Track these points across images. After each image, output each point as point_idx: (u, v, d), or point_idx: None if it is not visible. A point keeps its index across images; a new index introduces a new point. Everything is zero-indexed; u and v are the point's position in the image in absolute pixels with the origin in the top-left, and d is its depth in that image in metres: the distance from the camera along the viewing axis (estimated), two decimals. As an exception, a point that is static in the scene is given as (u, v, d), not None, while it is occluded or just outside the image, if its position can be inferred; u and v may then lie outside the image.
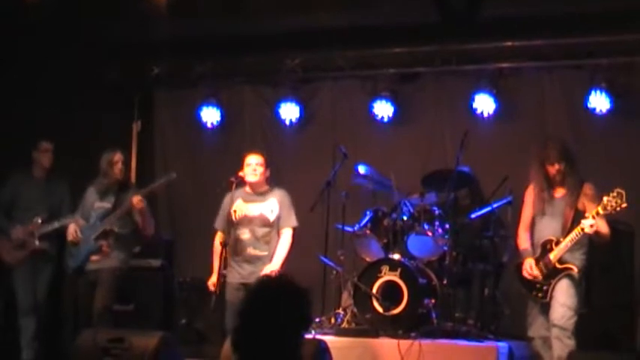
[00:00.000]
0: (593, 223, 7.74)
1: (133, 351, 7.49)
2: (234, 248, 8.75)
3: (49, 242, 9.67)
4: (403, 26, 10.37)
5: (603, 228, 7.85)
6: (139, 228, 9.18)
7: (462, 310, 9.39)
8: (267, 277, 4.14)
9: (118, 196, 9.16)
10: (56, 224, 9.51)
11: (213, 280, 8.69)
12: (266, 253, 8.69)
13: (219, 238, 8.87)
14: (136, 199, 8.96)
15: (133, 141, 11.64)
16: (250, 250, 8.70)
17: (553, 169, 8.05)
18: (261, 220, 8.73)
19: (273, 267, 8.60)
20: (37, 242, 9.59)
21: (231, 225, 8.77)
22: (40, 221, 9.58)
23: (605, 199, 7.71)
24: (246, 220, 8.74)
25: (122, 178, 9.27)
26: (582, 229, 7.79)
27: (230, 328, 8.14)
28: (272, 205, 8.77)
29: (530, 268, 8.04)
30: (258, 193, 8.83)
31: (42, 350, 9.80)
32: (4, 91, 10.83)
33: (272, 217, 8.75)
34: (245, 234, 8.72)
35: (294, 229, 8.84)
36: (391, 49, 10.75)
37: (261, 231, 8.72)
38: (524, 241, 8.24)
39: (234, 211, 8.77)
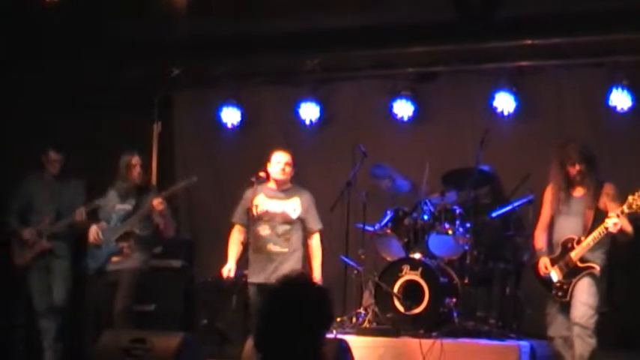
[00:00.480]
0: (617, 221, 7.73)
1: (155, 351, 7.50)
2: (254, 245, 8.78)
3: (60, 242, 9.69)
4: (422, 25, 10.33)
5: (627, 226, 7.83)
6: (159, 229, 9.20)
7: (483, 309, 9.39)
8: (288, 277, 4.11)
9: (139, 198, 9.18)
10: (63, 222, 9.55)
11: (228, 266, 8.76)
12: (286, 250, 8.72)
13: (236, 230, 8.91)
14: (157, 202, 8.97)
15: (153, 142, 11.67)
16: (270, 247, 8.72)
17: (574, 169, 8.03)
18: (282, 217, 8.76)
19: (316, 276, 8.68)
20: (44, 242, 9.62)
21: (251, 220, 8.79)
22: (47, 221, 9.62)
23: (630, 197, 7.70)
24: (267, 216, 8.76)
25: (140, 181, 9.26)
26: (606, 228, 7.76)
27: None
28: (295, 205, 8.79)
29: (544, 267, 8.03)
30: (282, 190, 8.85)
31: (64, 351, 9.84)
32: (24, 91, 10.89)
33: (294, 216, 8.78)
34: (265, 230, 8.74)
35: (320, 232, 8.91)
36: (410, 48, 10.72)
37: (281, 228, 8.74)
38: (540, 241, 8.25)
39: (256, 206, 8.78)
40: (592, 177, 8.04)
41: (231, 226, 9.02)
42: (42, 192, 9.78)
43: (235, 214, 8.99)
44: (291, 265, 8.63)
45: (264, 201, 8.81)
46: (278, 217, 8.76)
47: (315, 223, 8.86)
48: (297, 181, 9.10)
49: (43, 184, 9.83)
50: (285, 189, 8.87)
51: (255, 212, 8.78)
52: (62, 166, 9.85)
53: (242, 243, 8.85)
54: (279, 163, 8.78)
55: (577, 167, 8.02)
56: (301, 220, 8.81)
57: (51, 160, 9.81)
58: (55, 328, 9.66)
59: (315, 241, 8.85)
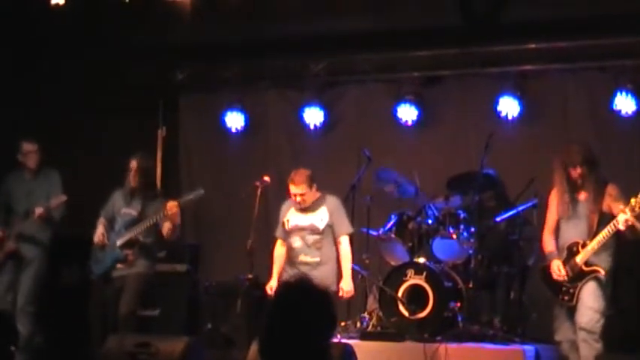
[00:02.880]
0: (628, 218, 7.66)
1: (160, 356, 7.52)
2: (288, 256, 8.84)
3: (28, 243, 9.62)
4: (427, 29, 10.36)
5: (637, 223, 7.77)
6: (162, 236, 9.14)
7: (487, 313, 9.39)
8: (288, 282, 4.12)
9: (145, 204, 9.09)
10: (28, 222, 9.49)
11: (271, 284, 8.77)
12: (317, 259, 8.72)
13: (278, 245, 8.93)
14: (171, 204, 8.86)
15: (157, 146, 11.68)
16: (302, 257, 8.74)
17: (575, 172, 8.01)
18: (311, 230, 8.76)
19: (346, 282, 8.67)
20: (10, 243, 9.58)
21: (285, 233, 8.84)
22: (16, 221, 9.60)
23: (632, 200, 7.67)
24: (297, 229, 8.78)
25: (137, 186, 9.18)
26: (616, 225, 7.72)
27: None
28: (322, 214, 8.78)
29: (558, 270, 8.00)
30: (310, 204, 8.84)
31: (70, 357, 9.83)
32: (28, 93, 10.91)
33: (322, 226, 8.75)
34: (297, 242, 8.76)
35: (350, 236, 8.86)
36: (415, 52, 10.75)
37: (311, 239, 8.74)
38: (549, 244, 8.21)
39: (287, 221, 8.82)
40: (594, 179, 8.01)
41: (267, 240, 9.06)
42: (17, 192, 9.70)
43: (278, 229, 8.99)
44: (321, 272, 8.56)
45: (294, 216, 8.83)
46: (307, 230, 8.77)
47: (340, 227, 8.80)
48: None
49: (20, 183, 9.74)
50: (313, 202, 8.85)
51: (287, 227, 8.83)
52: (40, 158, 9.69)
53: (284, 257, 8.86)
54: (294, 195, 8.77)
55: (578, 170, 8.00)
56: (330, 227, 8.80)
57: (27, 152, 9.65)
58: (22, 333, 9.37)
59: (343, 246, 8.77)
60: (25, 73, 10.91)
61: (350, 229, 8.88)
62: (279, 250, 8.92)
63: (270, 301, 4.11)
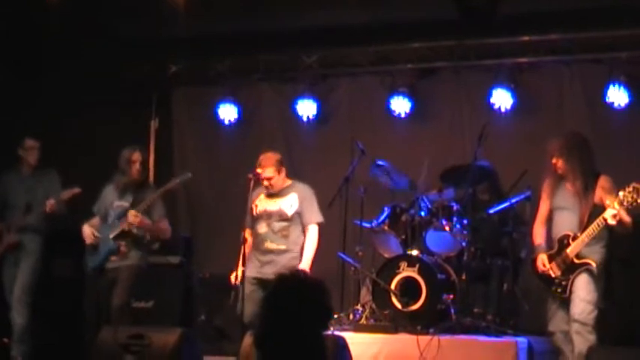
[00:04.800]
0: (615, 213, 7.66)
1: (153, 347, 7.52)
2: (254, 242, 8.79)
3: (30, 235, 9.63)
4: (421, 21, 10.36)
5: (625, 217, 7.75)
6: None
7: (480, 305, 9.38)
8: (283, 274, 4.12)
9: (136, 195, 9.14)
10: (33, 215, 9.53)
11: (237, 273, 8.73)
12: (284, 247, 8.69)
13: (246, 234, 8.85)
14: (132, 215, 8.90)
15: (150, 139, 11.68)
16: (268, 244, 8.70)
17: (556, 162, 8.03)
18: (279, 215, 8.72)
19: (303, 266, 8.58)
20: (12, 236, 9.60)
21: (253, 220, 8.79)
22: (17, 215, 9.60)
23: (621, 193, 7.66)
24: (265, 215, 8.75)
25: (140, 178, 9.23)
26: (605, 220, 7.73)
27: (248, 321, 8.18)
28: (291, 200, 8.76)
29: (542, 265, 8.03)
30: (280, 189, 8.82)
31: (62, 348, 9.84)
32: (23, 89, 10.89)
33: (290, 212, 8.72)
34: (263, 228, 8.73)
35: (320, 225, 8.81)
36: (409, 44, 10.74)
37: (278, 225, 8.71)
38: (538, 237, 8.23)
39: (256, 206, 8.78)
40: (580, 170, 7.98)
41: (237, 229, 8.98)
42: (16, 187, 9.71)
43: (247, 218, 8.92)
44: (286, 259, 8.61)
45: (263, 201, 8.80)
46: (275, 215, 8.74)
47: (309, 216, 8.75)
48: (295, 177, 9.06)
49: (18, 179, 9.76)
50: (283, 188, 8.85)
51: (255, 212, 8.78)
52: (40, 155, 9.75)
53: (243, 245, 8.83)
54: (261, 179, 8.73)
55: (557, 160, 8.01)
56: (299, 215, 8.78)
57: (28, 147, 9.71)
58: (20, 324, 9.53)
59: (309, 234, 8.71)
60: (20, 68, 10.89)
61: (320, 218, 8.81)
62: (246, 238, 8.81)
63: (266, 294, 4.11)
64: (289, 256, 8.68)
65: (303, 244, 8.73)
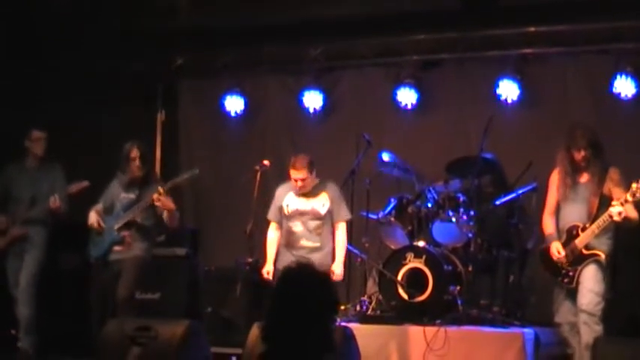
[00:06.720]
0: (621, 210, 7.69)
1: (160, 339, 7.51)
2: (286, 239, 8.82)
3: (34, 228, 9.60)
4: (426, 13, 10.34)
5: (632, 213, 7.77)
6: (162, 220, 9.17)
7: (487, 296, 9.40)
8: (290, 267, 4.13)
9: (142, 188, 9.13)
10: (37, 209, 9.50)
11: (267, 268, 8.76)
12: (318, 244, 8.72)
13: (272, 229, 8.90)
14: (155, 196, 8.91)
15: (157, 131, 11.68)
16: (303, 242, 8.74)
17: (579, 154, 7.99)
18: (313, 214, 8.75)
19: (337, 266, 8.65)
20: (17, 228, 9.57)
21: (283, 217, 8.83)
22: (21, 207, 9.60)
23: (634, 185, 7.66)
24: (298, 214, 8.77)
25: (140, 173, 9.19)
26: (610, 216, 7.75)
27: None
28: (324, 200, 8.78)
29: (557, 252, 8.01)
30: (310, 189, 8.83)
31: (68, 340, 9.85)
32: (28, 82, 10.90)
33: (323, 211, 8.76)
34: (297, 226, 8.76)
35: (348, 222, 8.88)
36: (414, 36, 10.73)
37: (313, 224, 8.74)
38: (549, 226, 8.21)
39: (287, 205, 8.81)
40: (597, 163, 8.00)
41: (267, 224, 9.00)
42: (21, 180, 9.68)
43: (270, 211, 8.96)
44: (319, 257, 8.60)
45: (293, 200, 8.82)
46: (309, 214, 8.77)
47: (339, 214, 8.81)
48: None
49: (23, 172, 9.73)
50: (314, 186, 8.85)
51: (286, 211, 8.82)
52: (47, 147, 9.71)
53: (279, 240, 8.85)
54: (295, 180, 8.76)
55: (582, 152, 7.98)
56: (330, 213, 8.80)
57: (35, 139, 9.66)
58: (26, 315, 9.52)
59: (339, 232, 8.79)
60: (24, 61, 10.89)
61: (348, 216, 8.89)
62: (274, 234, 8.89)
63: (273, 286, 4.12)
64: (323, 252, 8.71)
65: (333, 242, 8.77)
